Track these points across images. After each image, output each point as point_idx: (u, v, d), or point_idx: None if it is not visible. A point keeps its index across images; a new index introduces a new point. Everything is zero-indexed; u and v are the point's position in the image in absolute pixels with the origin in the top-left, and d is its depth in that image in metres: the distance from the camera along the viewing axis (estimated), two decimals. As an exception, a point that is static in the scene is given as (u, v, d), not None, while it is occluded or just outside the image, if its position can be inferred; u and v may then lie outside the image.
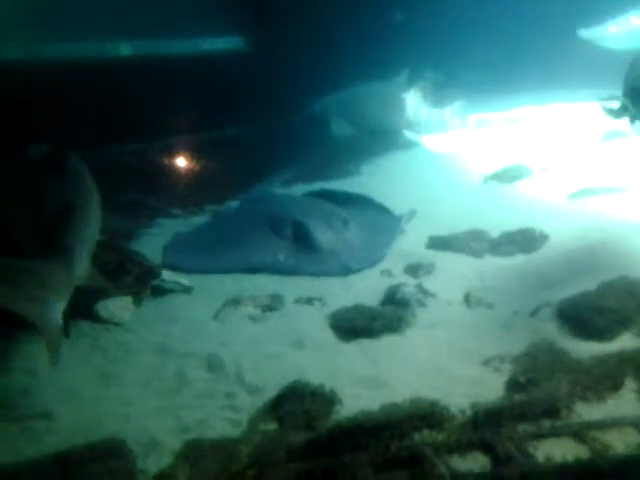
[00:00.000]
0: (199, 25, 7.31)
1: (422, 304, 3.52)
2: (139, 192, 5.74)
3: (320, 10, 7.52)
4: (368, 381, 2.81)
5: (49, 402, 2.84)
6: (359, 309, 3.50)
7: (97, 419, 2.74)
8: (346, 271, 4.05)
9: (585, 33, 7.85)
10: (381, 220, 4.66)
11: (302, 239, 4.20)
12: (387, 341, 3.19)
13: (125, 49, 6.70)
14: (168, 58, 7.19)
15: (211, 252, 4.33)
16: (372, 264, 4.14)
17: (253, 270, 4.13)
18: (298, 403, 2.52)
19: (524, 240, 4.30)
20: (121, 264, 3.80)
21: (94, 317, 3.55)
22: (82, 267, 2.80)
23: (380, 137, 7.45)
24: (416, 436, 2.17)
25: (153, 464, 2.46)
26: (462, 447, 2.03)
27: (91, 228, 3.04)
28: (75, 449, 2.33)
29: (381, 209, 4.94)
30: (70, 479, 2.17)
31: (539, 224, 4.47)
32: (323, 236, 4.18)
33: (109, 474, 2.26)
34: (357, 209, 4.82)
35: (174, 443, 2.59)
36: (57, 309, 2.45)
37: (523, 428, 2.12)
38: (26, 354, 3.20)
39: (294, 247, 4.19)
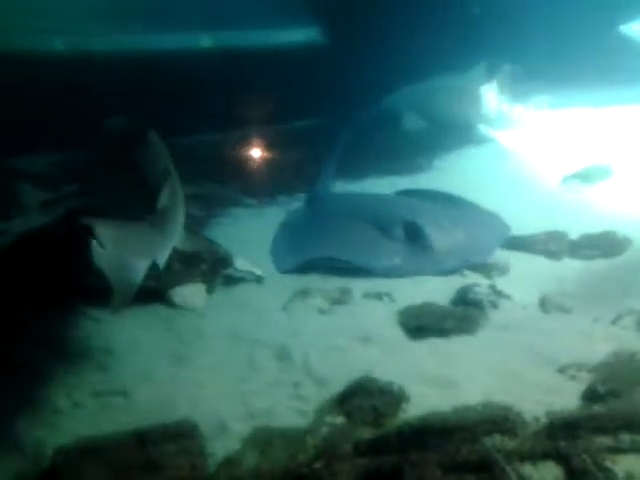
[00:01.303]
0: (275, 16, 7.37)
1: (495, 306, 3.43)
2: (214, 182, 5.87)
3: (396, 2, 7.42)
4: (437, 381, 2.77)
5: (126, 381, 2.97)
6: (429, 307, 3.45)
7: (170, 400, 2.84)
8: (462, 267, 3.95)
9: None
10: (485, 219, 4.52)
11: (416, 240, 4.08)
12: (457, 341, 3.13)
13: (204, 41, 6.85)
14: (244, 50, 7.28)
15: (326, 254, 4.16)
16: (485, 260, 4.02)
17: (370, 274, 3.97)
18: (366, 398, 2.52)
19: (605, 244, 4.10)
20: (196, 251, 3.90)
21: (168, 302, 3.67)
22: (176, 230, 2.96)
23: (453, 132, 7.25)
24: (487, 441, 2.12)
25: (221, 448, 2.53)
26: (535, 456, 1.97)
27: (181, 195, 3.19)
28: (151, 428, 2.42)
29: (478, 208, 4.80)
30: (146, 455, 2.26)
31: (622, 227, 4.26)
32: (437, 236, 4.06)
33: (181, 453, 2.34)
34: (457, 208, 4.72)
35: (242, 429, 2.65)
36: (136, 267, 2.51)
37: (601, 441, 2.03)
38: (105, 334, 3.35)
39: (408, 248, 4.07)
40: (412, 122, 7.40)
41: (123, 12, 6.43)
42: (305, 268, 4.13)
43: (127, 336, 3.34)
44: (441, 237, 4.08)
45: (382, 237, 4.15)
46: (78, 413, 2.73)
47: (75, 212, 3.63)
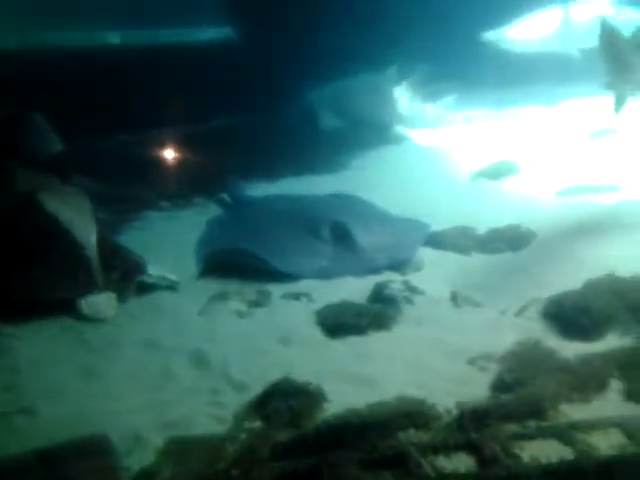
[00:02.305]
0: (188, 15, 7.23)
1: (409, 302, 3.51)
2: (126, 184, 5.67)
3: (311, 2, 7.47)
4: (355, 378, 2.80)
5: (31, 398, 2.81)
6: (346, 306, 3.49)
7: (80, 414, 2.71)
8: (392, 267, 3.99)
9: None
10: (405, 222, 4.58)
11: (343, 240, 4.07)
12: (374, 338, 3.18)
13: (114, 38, 6.61)
14: (155, 49, 7.10)
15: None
16: (411, 257, 4.09)
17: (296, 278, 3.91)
18: (284, 400, 2.51)
19: (511, 237, 4.31)
20: (106, 259, 3.75)
21: (78, 313, 3.51)
22: None
23: (370, 131, 7.42)
24: (402, 435, 2.16)
25: (136, 461, 2.43)
26: (448, 447, 2.03)
27: None
28: (57, 445, 2.30)
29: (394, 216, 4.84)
30: (52, 476, 2.14)
31: (526, 221, 4.48)
32: (363, 235, 4.07)
33: (92, 471, 2.24)
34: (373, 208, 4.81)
35: (158, 439, 2.56)
36: None
37: (509, 428, 2.12)
38: (8, 350, 3.17)
39: (335, 249, 4.05)
40: (329, 121, 7.47)
41: (29, 8, 6.12)
42: (223, 269, 4.06)
43: (33, 351, 3.17)
44: (367, 236, 4.13)
45: (309, 239, 4.14)
46: (-22, 436, 2.55)
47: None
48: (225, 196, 5.54)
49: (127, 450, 2.47)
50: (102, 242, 3.96)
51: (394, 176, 6.15)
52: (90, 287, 3.62)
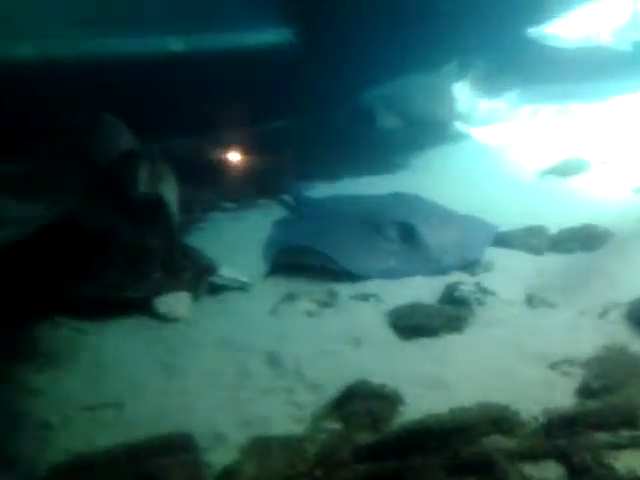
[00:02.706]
0: (247, 18, 7.31)
1: (481, 303, 3.46)
2: (191, 186, 5.78)
3: (369, 1, 7.42)
4: (431, 381, 2.78)
5: (116, 393, 2.91)
6: (417, 307, 3.47)
7: (162, 410, 2.79)
8: (460, 267, 3.94)
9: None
10: (472, 222, 4.50)
11: (409, 240, 4.04)
12: (448, 340, 3.15)
13: (174, 44, 6.77)
14: (216, 52, 7.21)
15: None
16: (479, 257, 4.03)
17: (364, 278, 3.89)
18: (362, 403, 2.52)
19: (586, 237, 4.17)
20: (179, 260, 3.86)
21: (152, 313, 3.61)
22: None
23: (429, 130, 7.31)
24: (486, 441, 2.13)
25: (218, 458, 2.49)
26: (536, 455, 1.99)
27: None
28: (145, 441, 2.38)
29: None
30: (140, 470, 2.22)
31: (601, 220, 4.34)
32: (430, 235, 4.03)
33: (177, 467, 2.31)
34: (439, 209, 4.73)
35: (238, 437, 2.62)
36: None
37: (600, 437, 2.06)
38: (92, 347, 3.29)
39: (402, 250, 4.02)
40: (387, 121, 7.42)
41: (90, 17, 6.32)
42: (290, 270, 4.10)
43: (115, 347, 3.29)
44: (434, 236, 4.08)
45: (375, 239, 4.11)
46: (69, 428, 2.67)
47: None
48: (287, 197, 5.59)
49: (208, 447, 2.54)
50: (175, 243, 4.10)
51: (456, 175, 6.05)
52: (165, 287, 3.72)
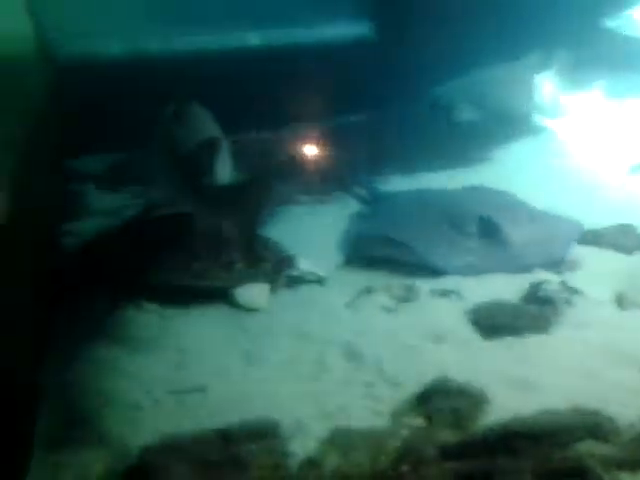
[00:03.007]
0: (324, 12, 7.32)
1: (568, 303, 3.33)
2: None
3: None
4: (516, 382, 2.72)
5: (200, 378, 3.01)
6: (500, 305, 3.39)
7: (245, 397, 2.86)
8: (544, 265, 3.79)
9: None
10: (556, 219, 4.33)
11: (491, 236, 3.92)
12: (533, 341, 3.06)
13: (253, 39, 6.87)
14: (292, 47, 7.26)
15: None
16: (565, 255, 3.88)
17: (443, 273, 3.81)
18: (445, 400, 2.49)
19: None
20: (260, 252, 3.92)
21: (232, 302, 3.69)
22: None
23: (508, 123, 7.08)
24: (579, 447, 2.06)
25: (299, 447, 2.53)
26: (635, 464, 1.90)
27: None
28: (233, 426, 2.45)
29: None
30: (230, 453, 2.29)
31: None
32: (514, 231, 3.90)
33: (263, 453, 2.36)
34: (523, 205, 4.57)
35: (318, 428, 2.65)
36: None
37: None
38: (176, 333, 3.40)
39: (483, 246, 3.91)
40: (466, 114, 7.24)
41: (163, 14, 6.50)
42: (367, 264, 4.08)
43: (198, 334, 3.38)
44: (517, 232, 3.94)
45: (455, 234, 4.02)
46: (158, 410, 2.78)
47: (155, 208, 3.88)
48: (362, 191, 5.57)
49: (290, 436, 2.59)
50: (255, 235, 4.18)
51: (536, 170, 5.84)
52: (245, 278, 3.80)
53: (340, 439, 2.51)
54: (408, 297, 3.69)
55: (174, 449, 2.31)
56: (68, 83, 5.20)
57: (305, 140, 6.67)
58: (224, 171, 3.93)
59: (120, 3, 6.13)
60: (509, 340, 3.08)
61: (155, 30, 6.43)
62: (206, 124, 4.21)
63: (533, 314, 3.21)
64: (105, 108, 5.19)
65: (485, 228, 3.99)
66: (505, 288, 3.65)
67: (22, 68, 4.16)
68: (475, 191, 4.93)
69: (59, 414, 2.71)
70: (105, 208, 4.80)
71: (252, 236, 4.11)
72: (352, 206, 5.36)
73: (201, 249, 3.82)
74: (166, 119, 4.18)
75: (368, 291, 3.79)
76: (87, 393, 2.86)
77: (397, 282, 3.83)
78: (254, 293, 3.77)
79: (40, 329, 3.13)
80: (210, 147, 3.81)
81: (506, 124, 6.98)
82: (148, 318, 3.47)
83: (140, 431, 2.62)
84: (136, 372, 3.02)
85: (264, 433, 2.43)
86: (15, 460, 2.29)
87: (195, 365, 3.13)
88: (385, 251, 4.03)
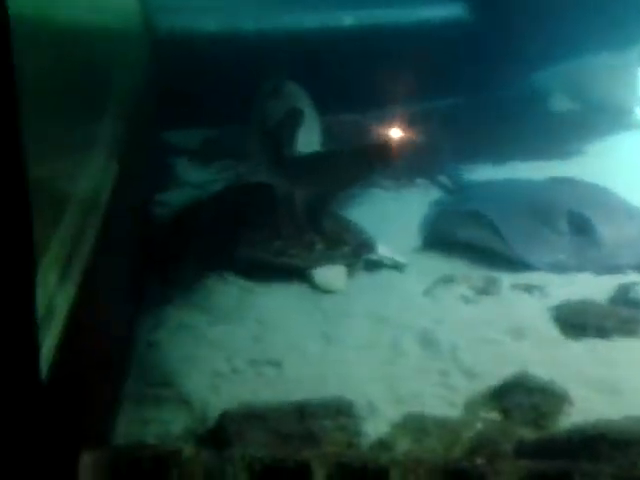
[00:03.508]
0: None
1: (664, 308, 3.16)
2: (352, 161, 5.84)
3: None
4: (601, 385, 2.61)
5: (278, 351, 3.09)
6: (586, 305, 3.26)
7: (319, 375, 2.92)
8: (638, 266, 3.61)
9: None
10: None
11: (583, 233, 3.79)
12: (621, 344, 2.93)
13: (346, 19, 6.84)
14: (386, 27, 7.17)
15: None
16: None
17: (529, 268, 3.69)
18: (525, 396, 2.43)
19: None
20: (340, 234, 3.95)
21: (309, 282, 3.74)
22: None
23: (607, 115, 6.71)
24: (668, 458, 1.96)
25: (371, 429, 2.56)
26: None
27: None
28: (310, 401, 2.51)
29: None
30: (306, 427, 2.35)
31: None
32: (607, 229, 3.76)
33: (337, 430, 2.41)
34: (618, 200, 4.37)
35: (390, 412, 2.67)
36: None
37: None
38: (257, 305, 3.50)
39: (574, 243, 3.78)
40: (561, 104, 6.93)
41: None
42: (448, 251, 4.00)
43: (277, 309, 3.47)
44: (611, 230, 3.77)
45: (544, 229, 3.89)
46: (237, 378, 2.89)
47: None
48: (444, 178, 5.47)
49: (363, 417, 2.62)
50: (336, 217, 4.21)
51: (636, 166, 5.53)
52: (324, 259, 3.84)
53: (413, 424, 2.52)
54: (489, 289, 3.61)
55: (251, 417, 2.39)
56: (166, 57, 5.40)
57: (393, 124, 6.60)
58: (308, 144, 3.98)
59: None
60: (595, 341, 2.97)
61: (251, 8, 6.55)
62: (301, 101, 4.29)
63: (622, 316, 3.07)
64: (201, 84, 5.37)
65: (577, 224, 3.83)
66: (593, 287, 3.52)
67: (127, 41, 4.36)
68: (568, 184, 4.71)
69: (146, 373, 2.87)
70: (196, 181, 4.98)
71: (323, 209, 4.13)
72: (434, 193, 5.29)
73: (283, 226, 3.89)
74: (263, 95, 4.28)
75: (447, 280, 3.73)
76: (171, 356, 3.01)
77: (478, 273, 3.76)
78: (331, 275, 3.81)
79: (133, 291, 3.31)
80: (291, 118, 3.87)
81: (606, 116, 6.62)
82: (232, 290, 3.59)
83: (219, 397, 2.73)
84: (218, 340, 3.14)
85: (338, 411, 2.48)
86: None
87: (273, 339, 3.21)
88: (469, 233, 3.93)
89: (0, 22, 1.18)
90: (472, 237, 3.93)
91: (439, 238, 4.10)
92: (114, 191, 2.52)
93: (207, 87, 5.29)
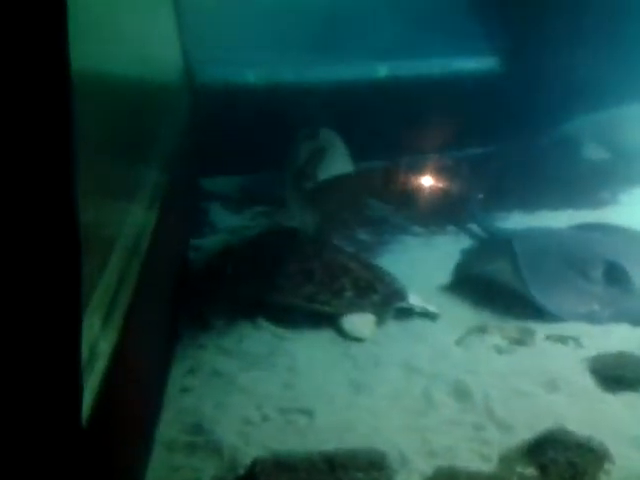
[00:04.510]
0: (451, 44, 7.34)
1: None
2: (383, 208, 5.93)
3: (578, 21, 7.03)
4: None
5: (308, 400, 3.08)
6: (624, 357, 3.18)
7: (350, 424, 2.88)
8: None
9: None
10: None
11: (617, 283, 3.74)
12: (661, 399, 2.84)
13: (381, 70, 7.03)
14: (418, 78, 7.34)
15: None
16: None
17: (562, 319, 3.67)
18: (562, 451, 2.37)
19: None
20: (371, 282, 3.96)
21: (338, 329, 3.74)
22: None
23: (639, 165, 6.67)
24: None
25: (403, 482, 2.52)
26: None
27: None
28: (340, 451, 2.48)
29: None
30: (337, 479, 2.32)
31: None
32: None
33: (369, 483, 2.37)
34: None
35: (423, 465, 2.62)
36: None
37: None
38: (288, 352, 3.51)
39: (609, 292, 3.73)
40: (594, 153, 6.92)
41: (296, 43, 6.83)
42: (480, 301, 3.98)
43: (308, 357, 3.47)
44: None
45: (577, 278, 3.84)
46: (267, 426, 2.88)
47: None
48: (475, 227, 5.46)
49: (394, 469, 2.57)
50: (369, 265, 4.23)
51: (670, 216, 5.44)
52: (354, 307, 3.85)
53: (445, 478, 2.46)
54: (522, 340, 3.56)
55: (281, 466, 2.38)
56: (206, 107, 5.63)
57: (422, 172, 6.67)
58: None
59: (257, 35, 6.55)
60: (633, 395, 2.89)
61: (288, 59, 6.79)
62: (335, 146, 4.49)
63: (663, 370, 2.98)
64: (239, 133, 5.57)
65: (611, 273, 3.77)
66: (629, 339, 3.44)
67: (170, 91, 4.57)
68: (602, 231, 4.66)
69: (178, 418, 2.88)
70: (230, 226, 5.10)
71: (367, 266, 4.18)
72: (466, 241, 5.28)
73: (317, 273, 3.93)
74: (300, 140, 4.46)
75: (480, 330, 3.69)
76: (203, 402, 3.02)
77: (511, 323, 3.72)
78: (360, 323, 3.80)
79: (170, 336, 3.36)
80: (314, 155, 4.03)
81: (637, 166, 6.58)
82: (262, 335, 3.62)
83: (249, 445, 2.72)
84: (249, 387, 3.15)
85: (370, 463, 2.44)
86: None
87: (303, 387, 3.20)
88: (500, 275, 3.91)
89: (61, 79, 1.26)
90: (503, 278, 3.89)
91: (467, 274, 4.06)
92: (154, 237, 2.61)
93: (244, 136, 5.47)
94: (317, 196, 4.15)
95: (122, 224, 2.28)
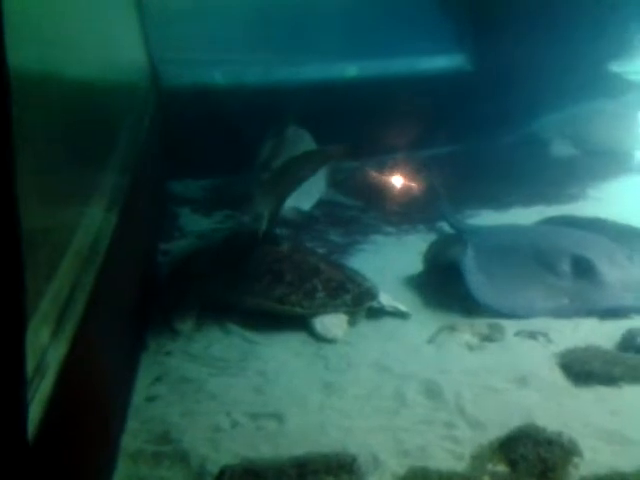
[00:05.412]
0: (418, 43, 7.37)
1: (672, 354, 3.10)
2: (355, 208, 5.92)
3: (544, 21, 7.12)
4: (609, 435, 2.54)
5: (279, 404, 3.02)
6: (593, 351, 3.20)
7: (321, 427, 2.84)
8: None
9: None
10: None
11: (585, 275, 3.73)
12: (629, 392, 2.85)
13: (350, 70, 7.03)
14: (386, 78, 7.36)
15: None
16: None
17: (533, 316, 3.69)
18: (532, 447, 2.36)
19: None
20: (342, 282, 3.93)
21: (310, 330, 3.70)
22: None
23: (608, 160, 6.77)
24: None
25: (375, 484, 2.48)
26: None
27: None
28: (310, 456, 2.44)
29: None
30: (306, 486, 2.28)
31: None
32: (609, 270, 3.70)
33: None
34: (624, 237, 4.28)
35: (395, 466, 2.59)
36: None
37: None
38: (258, 356, 3.46)
39: (576, 286, 3.72)
40: (562, 149, 7.00)
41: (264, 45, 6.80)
42: (450, 300, 3.97)
43: (278, 360, 3.42)
44: (615, 272, 3.72)
45: (545, 273, 3.84)
46: (237, 433, 2.82)
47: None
48: (446, 225, 5.47)
49: (366, 471, 2.54)
50: (339, 266, 4.20)
51: (637, 210, 5.51)
52: (325, 308, 3.81)
53: (418, 479, 2.44)
54: (493, 336, 3.56)
55: (250, 473, 2.33)
56: (174, 110, 5.55)
57: (392, 171, 6.67)
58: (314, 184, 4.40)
59: (223, 35, 6.49)
60: (602, 389, 2.90)
61: (256, 60, 6.74)
62: (304, 142, 4.49)
63: (630, 363, 3.01)
64: (206, 135, 5.49)
65: (579, 267, 3.79)
66: (599, 333, 3.47)
67: (133, 92, 4.47)
68: (570, 224, 4.67)
69: (144, 428, 2.81)
70: (199, 230, 5.02)
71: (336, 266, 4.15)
72: (434, 238, 5.27)
73: (288, 275, 3.88)
74: (268, 138, 4.45)
75: (451, 328, 3.69)
76: (172, 410, 2.95)
77: (482, 321, 3.72)
78: (332, 323, 3.76)
79: (133, 344, 3.28)
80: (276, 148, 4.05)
81: (607, 161, 6.68)
82: (231, 339, 3.56)
83: (218, 452, 2.66)
84: (218, 393, 3.09)
85: (340, 466, 2.40)
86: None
87: (274, 390, 3.15)
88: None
89: None
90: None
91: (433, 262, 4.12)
92: (113, 242, 2.53)
93: (212, 138, 5.41)
94: (271, 182, 4.14)
95: (75, 229, 2.21)
